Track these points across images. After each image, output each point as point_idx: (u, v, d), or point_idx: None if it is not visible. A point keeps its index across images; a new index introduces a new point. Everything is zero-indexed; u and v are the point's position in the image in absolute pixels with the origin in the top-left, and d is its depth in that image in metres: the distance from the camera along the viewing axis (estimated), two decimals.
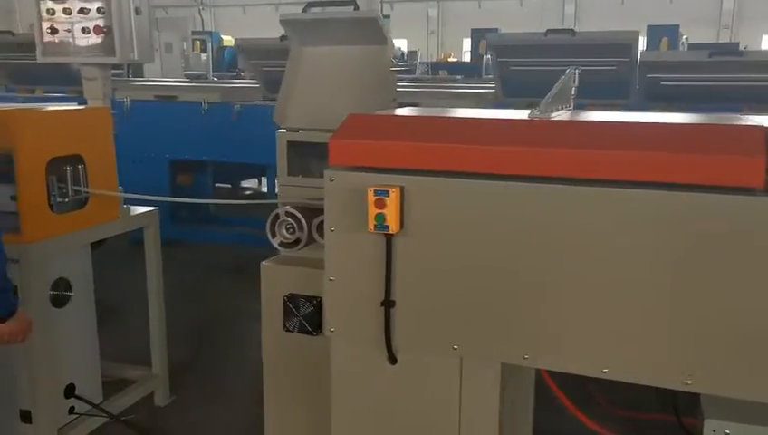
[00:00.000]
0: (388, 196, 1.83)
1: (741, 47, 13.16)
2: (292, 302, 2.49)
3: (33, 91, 6.98)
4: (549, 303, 1.76)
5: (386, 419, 2.05)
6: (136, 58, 2.98)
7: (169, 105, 5.94)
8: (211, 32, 21.30)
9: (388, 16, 19.98)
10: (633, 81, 5.12)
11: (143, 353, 3.50)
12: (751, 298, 1.59)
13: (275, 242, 2.45)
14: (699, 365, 1.65)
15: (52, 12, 2.97)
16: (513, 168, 1.77)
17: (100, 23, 2.90)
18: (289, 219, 2.39)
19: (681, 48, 14.36)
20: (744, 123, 1.79)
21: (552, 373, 1.97)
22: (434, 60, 21.82)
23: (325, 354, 2.53)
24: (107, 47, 2.93)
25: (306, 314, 2.48)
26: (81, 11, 2.91)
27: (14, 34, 6.70)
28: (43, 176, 2.64)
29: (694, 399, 1.94)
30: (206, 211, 6.81)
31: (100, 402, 3.06)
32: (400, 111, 2.11)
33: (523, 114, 2.06)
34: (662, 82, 5.01)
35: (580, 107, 5.32)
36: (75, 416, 2.93)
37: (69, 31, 2.97)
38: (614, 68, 5.13)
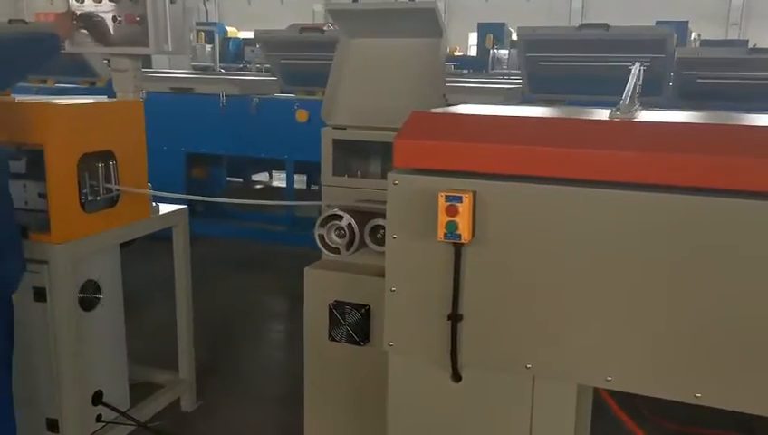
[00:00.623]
0: (461, 202, 1.70)
1: (749, 45, 12.99)
2: (337, 309, 2.37)
3: (45, 81, 6.81)
4: (638, 321, 1.63)
5: None
6: (170, 49, 2.83)
7: (186, 98, 5.79)
8: (216, 23, 21.11)
9: None
10: (667, 78, 4.97)
11: (163, 354, 3.37)
12: None
13: (325, 248, 2.30)
14: None
15: (81, 0, 2.82)
16: (600, 173, 1.63)
17: (133, 11, 2.74)
18: (339, 223, 2.25)
19: (693, 45, 14.21)
20: None
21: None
22: None
23: (372, 365, 2.40)
24: (139, 37, 2.78)
25: (353, 323, 2.36)
26: None
27: (26, 23, 6.54)
28: (74, 173, 2.50)
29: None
30: (221, 206, 6.67)
31: (128, 409, 2.93)
32: (466, 110, 1.97)
33: (599, 114, 1.93)
34: (698, 80, 4.86)
35: (609, 105, 5.19)
36: (102, 424, 2.80)
37: (100, 20, 2.81)
38: (648, 64, 4.96)
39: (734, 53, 4.94)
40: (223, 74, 6.63)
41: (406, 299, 1.87)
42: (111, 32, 2.80)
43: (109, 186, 2.65)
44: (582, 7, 26.58)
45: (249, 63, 13.97)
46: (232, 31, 19.77)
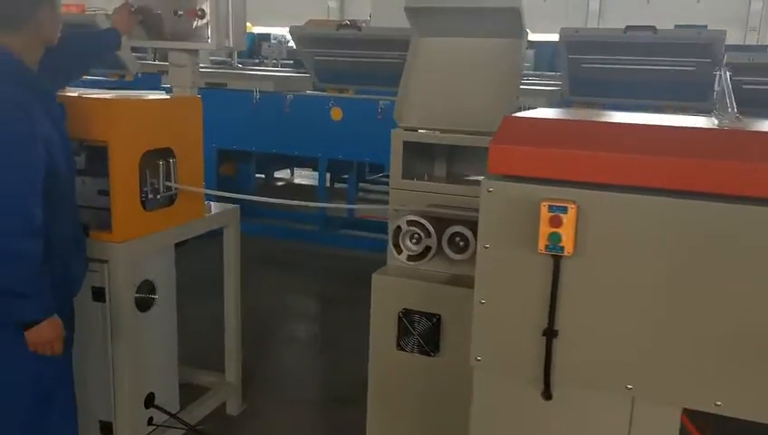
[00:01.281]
0: (565, 213, 1.62)
1: None
2: (407, 318, 2.30)
3: None
4: (755, 343, 1.55)
5: None
6: (231, 45, 2.76)
7: (219, 93, 5.72)
8: None
9: None
10: (713, 82, 4.86)
11: (204, 355, 3.31)
12: None
13: (400, 254, 2.22)
14: None
15: None
16: (716, 185, 1.55)
17: (196, 5, 2.67)
18: (415, 229, 2.17)
19: None
20: None
21: None
22: None
23: (442, 376, 2.34)
24: (201, 32, 2.71)
25: (423, 333, 2.29)
26: None
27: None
28: (136, 170, 2.44)
29: None
30: (249, 203, 6.61)
31: (177, 412, 2.86)
32: (562, 115, 1.89)
33: (704, 121, 1.85)
34: (743, 86, 4.76)
35: (656, 110, 5.11)
36: (153, 427, 2.74)
37: (158, 13, 2.75)
38: (693, 69, 4.88)
39: None
40: (257, 70, 6.57)
41: (496, 312, 1.79)
42: (169, 25, 2.73)
43: (168, 184, 2.58)
44: (599, 9, 26.37)
45: (266, 59, 13.88)
46: (247, 26, 19.70)
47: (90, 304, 2.46)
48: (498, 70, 2.26)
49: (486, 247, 1.77)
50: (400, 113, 2.38)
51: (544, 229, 1.64)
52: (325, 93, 5.91)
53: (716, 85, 4.91)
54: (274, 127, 5.62)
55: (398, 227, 2.20)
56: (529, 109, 2.25)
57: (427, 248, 2.16)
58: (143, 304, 2.63)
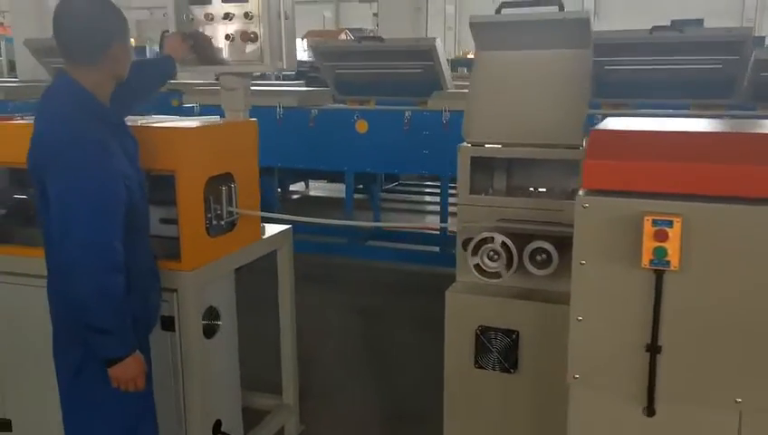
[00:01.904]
0: (671, 227, 1.61)
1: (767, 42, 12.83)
2: (485, 335, 2.28)
3: None
4: None
5: None
6: (284, 66, 2.75)
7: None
8: None
9: None
10: (740, 80, 4.86)
11: (256, 375, 3.28)
12: None
13: (479, 272, 2.21)
14: None
15: (191, 18, 2.74)
16: None
17: (248, 28, 2.67)
18: (494, 246, 2.16)
19: None
20: None
21: None
22: (451, 57, 21.53)
23: (522, 394, 2.32)
24: (254, 55, 2.70)
25: (502, 350, 2.27)
26: (227, 16, 2.68)
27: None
28: (201, 197, 2.42)
29: None
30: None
31: None
32: (645, 125, 1.88)
33: None
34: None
35: (682, 107, 5.10)
36: None
37: (209, 38, 2.74)
38: (720, 66, 4.88)
39: None
40: (278, 86, 6.57)
41: (594, 329, 1.78)
42: (224, 50, 2.73)
43: (231, 209, 2.57)
44: (594, 8, 26.43)
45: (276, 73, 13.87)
46: None
47: (158, 333, 2.44)
48: (566, 81, 2.24)
49: (583, 264, 1.76)
50: (468, 129, 2.37)
51: (648, 244, 1.63)
52: (347, 106, 5.90)
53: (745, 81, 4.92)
54: (299, 142, 5.61)
55: (476, 245, 2.18)
56: None
57: (508, 265, 2.15)
58: (209, 331, 2.61)
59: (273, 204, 6.40)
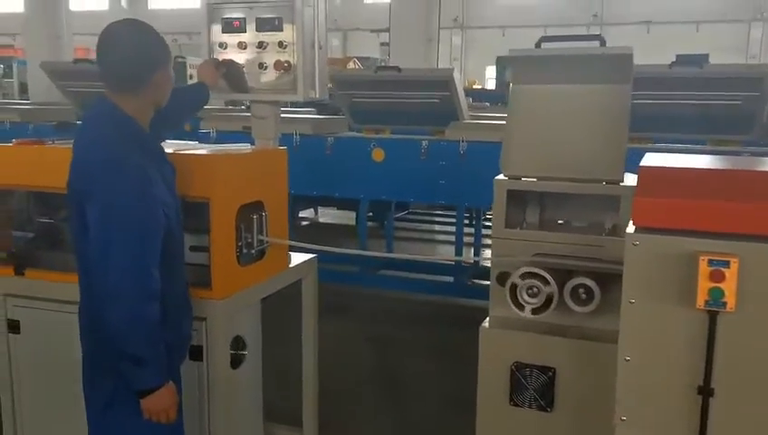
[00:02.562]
0: (728, 267, 1.58)
1: None
2: (520, 372, 2.23)
3: None
4: None
5: None
6: (317, 96, 2.75)
7: None
8: None
9: None
10: (759, 116, 4.87)
11: (274, 404, 3.22)
12: None
13: (517, 307, 2.17)
14: None
15: (224, 46, 2.74)
16: None
17: (282, 57, 2.67)
18: (534, 281, 2.12)
19: None
20: None
21: None
22: None
23: (558, 432, 2.26)
24: (287, 84, 2.70)
25: (538, 388, 2.22)
26: (260, 45, 2.69)
27: (93, 63, 6.54)
28: (233, 225, 2.40)
29: None
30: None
31: None
32: (696, 163, 1.86)
33: None
34: None
35: (698, 143, 5.10)
36: None
37: (242, 66, 2.74)
38: (739, 102, 4.89)
39: None
40: (293, 113, 6.59)
41: (644, 369, 1.74)
42: (256, 78, 2.73)
43: (261, 238, 2.54)
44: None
45: None
46: None
47: (185, 362, 2.39)
48: (607, 116, 2.24)
49: (632, 302, 1.72)
50: (505, 162, 2.36)
51: (704, 284, 1.60)
52: (363, 135, 5.92)
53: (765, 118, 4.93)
54: (315, 169, 5.60)
55: (515, 281, 2.15)
56: None
57: (548, 301, 2.11)
58: (235, 361, 2.57)
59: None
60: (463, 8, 25.65)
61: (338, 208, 8.93)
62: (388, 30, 12.35)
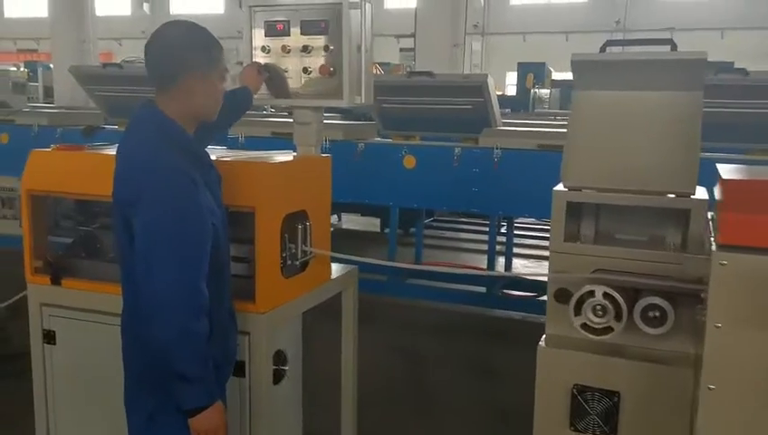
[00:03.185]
0: None
1: None
2: (582, 396, 2.11)
3: None
4: None
5: None
6: (362, 101, 2.65)
7: (288, 143, 5.63)
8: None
9: None
10: None
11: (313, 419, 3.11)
12: None
13: (583, 328, 2.05)
14: None
15: (267, 50, 2.66)
16: None
17: (327, 62, 2.57)
18: (602, 300, 2.00)
19: None
20: None
21: None
22: None
23: None
24: (331, 89, 2.60)
25: (602, 413, 2.09)
26: (305, 49, 2.59)
27: (121, 67, 6.53)
28: (278, 236, 2.31)
29: None
30: None
31: None
32: None
33: None
34: None
35: (738, 152, 4.94)
36: None
37: (285, 71, 2.65)
38: None
39: None
40: (329, 119, 6.52)
41: (730, 399, 1.61)
42: (299, 83, 2.64)
43: (305, 248, 2.45)
44: (623, 51, 26.42)
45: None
46: None
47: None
48: (677, 125, 2.11)
49: (718, 327, 1.60)
50: (565, 172, 2.24)
51: None
52: (392, 141, 5.82)
53: None
54: (344, 175, 5.47)
55: (580, 298, 2.03)
56: None
57: (616, 321, 1.99)
58: (276, 377, 2.47)
59: None
60: (484, 14, 25.53)
61: (362, 215, 8.84)
62: (410, 36, 12.28)
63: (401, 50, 21.37)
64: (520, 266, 7.01)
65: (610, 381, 2.09)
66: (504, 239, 6.37)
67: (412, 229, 7.14)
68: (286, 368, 2.52)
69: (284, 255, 2.36)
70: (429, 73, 5.59)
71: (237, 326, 2.14)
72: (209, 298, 1.87)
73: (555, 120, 9.19)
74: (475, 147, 5.20)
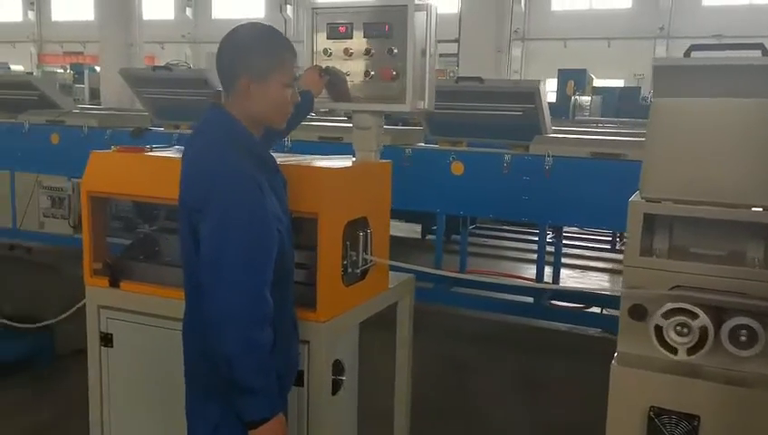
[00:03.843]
0: None
1: None
2: (659, 419, 1.99)
3: (178, 126, 6.81)
4: None
5: None
6: (425, 106, 2.59)
7: (336, 147, 5.59)
8: None
9: None
10: None
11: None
12: None
13: (664, 347, 1.94)
14: None
15: (328, 52, 2.61)
16: None
17: (390, 65, 2.51)
18: (684, 318, 1.89)
19: None
20: None
21: None
22: None
23: None
24: (394, 93, 2.54)
25: None
26: (367, 52, 2.54)
27: (170, 70, 6.59)
28: (340, 243, 2.25)
29: None
30: None
31: None
32: None
33: None
34: None
35: None
36: None
37: (347, 74, 2.60)
38: None
39: None
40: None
41: None
42: (363, 86, 2.58)
43: (366, 256, 2.38)
44: (666, 54, 25.92)
45: None
46: None
47: None
48: (766, 135, 1.99)
49: None
50: (644, 183, 2.13)
51: None
52: (439, 146, 5.74)
53: None
54: (393, 181, 5.43)
55: (667, 314, 1.92)
56: None
57: (701, 342, 1.88)
58: (334, 387, 2.41)
59: None
60: (524, 20, 25.30)
61: (404, 221, 8.76)
62: (453, 41, 12.20)
63: (440, 55, 21.29)
64: (564, 277, 6.84)
65: (690, 403, 1.98)
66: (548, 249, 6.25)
67: (453, 236, 7.05)
68: (343, 378, 2.46)
69: (345, 262, 2.30)
70: (479, 79, 5.49)
71: (298, 336, 2.08)
72: (273, 307, 1.82)
73: (598, 126, 9.01)
74: (525, 154, 5.08)
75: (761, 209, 2.02)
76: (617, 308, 5.41)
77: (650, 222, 2.24)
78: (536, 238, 8.72)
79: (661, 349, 1.94)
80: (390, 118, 7.56)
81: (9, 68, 17.33)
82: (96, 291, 2.51)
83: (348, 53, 2.58)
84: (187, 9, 29.00)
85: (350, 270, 2.33)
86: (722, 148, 2.03)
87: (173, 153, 2.48)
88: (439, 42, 2.56)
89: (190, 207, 1.84)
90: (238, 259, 1.75)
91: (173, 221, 2.61)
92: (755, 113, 1.99)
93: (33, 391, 3.91)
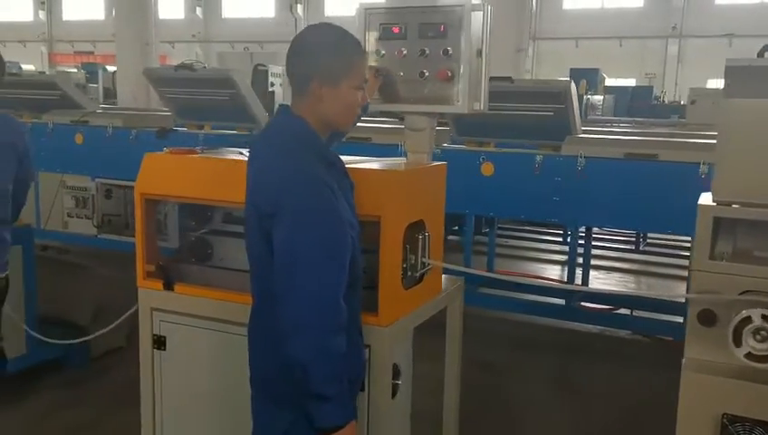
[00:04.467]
0: None
1: None
2: (734, 427, 1.96)
3: (202, 127, 6.81)
4: None
5: None
6: (481, 108, 2.56)
7: (365, 148, 5.57)
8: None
9: None
10: None
11: None
12: None
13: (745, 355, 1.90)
14: None
15: (381, 53, 2.58)
16: None
17: (446, 66, 2.48)
18: (763, 324, 1.86)
19: None
20: None
21: None
22: None
23: None
24: (448, 95, 2.51)
25: None
26: (422, 53, 2.51)
27: (194, 69, 6.57)
28: (401, 246, 2.22)
29: None
30: None
31: None
32: None
33: None
34: None
35: None
36: None
37: (400, 75, 2.57)
38: None
39: None
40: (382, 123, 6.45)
41: None
42: (408, 87, 2.55)
43: (424, 260, 2.36)
44: (678, 52, 25.80)
45: None
46: None
47: None
48: None
49: None
50: (717, 185, 2.09)
51: None
52: (466, 147, 5.71)
53: None
54: None
55: (739, 324, 1.88)
56: None
57: None
58: (392, 391, 2.38)
59: None
60: (536, 19, 25.19)
61: None
62: None
63: None
64: (590, 278, 6.81)
65: (765, 411, 1.94)
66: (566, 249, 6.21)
67: (476, 236, 7.02)
68: (399, 382, 2.44)
69: (405, 266, 2.27)
70: (509, 79, 5.45)
71: (363, 342, 2.06)
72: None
73: (613, 126, 8.95)
74: (557, 154, 5.04)
75: None
76: (647, 310, 5.34)
77: (716, 225, 2.21)
78: (556, 239, 8.70)
79: (740, 356, 1.91)
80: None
81: (21, 67, 17.38)
82: (149, 293, 2.49)
83: (401, 54, 2.55)
84: (198, 8, 29.04)
85: (409, 273, 2.30)
86: None
87: (227, 155, 2.45)
88: None
89: (262, 211, 1.81)
90: (314, 267, 1.72)
91: (226, 224, 2.59)
92: None
93: (71, 392, 3.90)
